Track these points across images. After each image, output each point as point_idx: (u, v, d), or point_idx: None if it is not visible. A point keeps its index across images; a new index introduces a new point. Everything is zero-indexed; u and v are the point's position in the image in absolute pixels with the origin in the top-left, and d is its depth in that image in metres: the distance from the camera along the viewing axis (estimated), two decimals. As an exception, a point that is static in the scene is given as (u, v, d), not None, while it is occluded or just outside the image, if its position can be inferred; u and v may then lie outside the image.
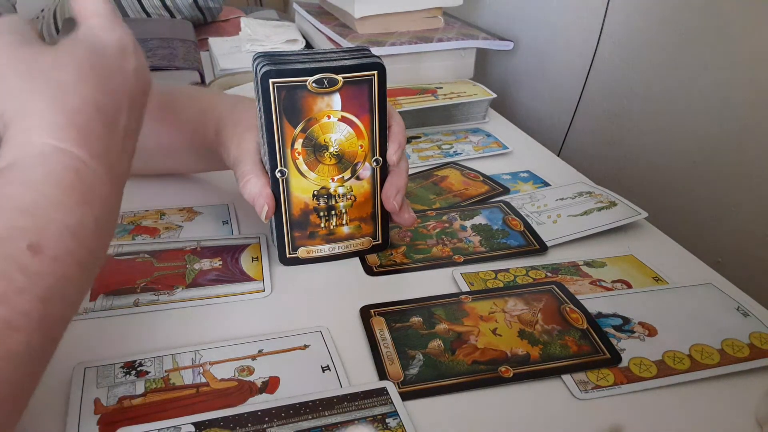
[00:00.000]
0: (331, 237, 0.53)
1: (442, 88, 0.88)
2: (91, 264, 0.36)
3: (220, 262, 0.53)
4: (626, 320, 0.48)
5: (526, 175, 0.72)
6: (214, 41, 1.13)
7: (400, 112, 0.81)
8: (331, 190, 0.50)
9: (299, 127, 0.48)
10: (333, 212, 0.51)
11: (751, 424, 0.40)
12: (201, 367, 0.42)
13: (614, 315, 0.49)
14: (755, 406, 0.41)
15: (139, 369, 0.42)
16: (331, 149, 0.49)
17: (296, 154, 0.48)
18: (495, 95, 0.86)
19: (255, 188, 0.49)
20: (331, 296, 0.51)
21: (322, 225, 0.52)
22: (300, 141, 0.48)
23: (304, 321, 0.47)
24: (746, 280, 0.54)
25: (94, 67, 0.38)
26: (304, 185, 0.50)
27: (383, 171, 0.51)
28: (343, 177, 0.50)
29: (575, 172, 0.74)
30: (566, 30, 0.95)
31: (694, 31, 0.73)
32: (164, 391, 0.40)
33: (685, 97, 0.75)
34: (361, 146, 0.50)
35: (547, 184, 0.70)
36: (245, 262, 0.53)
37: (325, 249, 0.53)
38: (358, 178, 0.50)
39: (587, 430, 0.39)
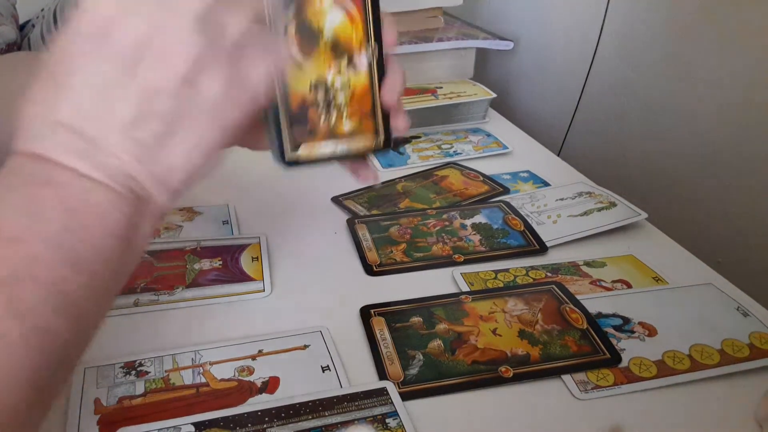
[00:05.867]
0: (332, 134, 0.49)
1: (442, 88, 0.88)
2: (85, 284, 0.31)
3: (220, 262, 0.53)
4: (626, 320, 0.48)
5: (526, 175, 0.72)
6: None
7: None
8: (328, 82, 0.49)
9: (291, 12, 0.46)
10: (332, 106, 0.49)
11: (751, 424, 0.40)
12: (201, 368, 0.42)
13: (614, 315, 0.49)
14: (755, 406, 0.41)
15: (139, 369, 0.42)
16: (325, 36, 0.47)
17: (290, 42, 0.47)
18: (495, 95, 0.86)
19: None
20: (331, 296, 0.51)
21: (322, 120, 0.48)
22: (293, 27, 0.46)
23: (304, 321, 0.47)
24: (746, 280, 0.54)
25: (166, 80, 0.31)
26: (300, 76, 0.48)
27: (380, 65, 0.49)
28: (340, 65, 0.48)
29: (575, 172, 0.74)
30: (566, 30, 0.95)
31: (694, 31, 0.73)
32: (164, 392, 0.40)
33: (685, 97, 0.75)
34: (356, 32, 0.48)
35: (547, 184, 0.70)
36: (245, 262, 0.53)
37: (328, 146, 0.48)
38: (354, 68, 0.49)
39: (587, 430, 0.39)
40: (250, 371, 0.42)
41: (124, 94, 0.30)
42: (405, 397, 0.40)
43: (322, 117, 0.49)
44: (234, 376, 0.41)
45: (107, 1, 0.30)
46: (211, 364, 0.42)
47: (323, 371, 0.42)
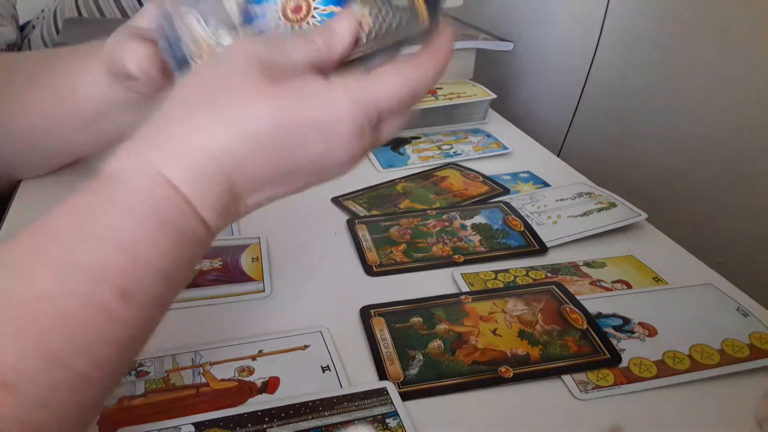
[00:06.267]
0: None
1: (442, 88, 0.88)
2: (169, 304, 0.34)
3: (220, 263, 0.53)
4: (626, 320, 0.48)
5: (526, 175, 0.72)
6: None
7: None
8: None
9: None
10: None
11: (751, 424, 0.40)
12: (201, 368, 0.42)
13: (614, 315, 0.49)
14: (755, 406, 0.41)
15: (139, 369, 0.42)
16: None
17: None
18: (495, 95, 0.86)
19: None
20: (331, 296, 0.51)
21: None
22: None
23: (304, 321, 0.47)
24: (746, 280, 0.54)
25: (279, 137, 0.33)
26: None
27: None
28: None
29: (575, 172, 0.74)
30: (566, 30, 0.95)
31: (693, 31, 0.73)
32: (164, 392, 0.40)
33: (684, 96, 0.75)
34: None
35: (547, 185, 0.70)
36: (245, 262, 0.53)
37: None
38: None
39: (587, 430, 0.39)
40: (250, 371, 0.42)
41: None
42: (405, 397, 0.40)
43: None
44: (234, 376, 0.41)
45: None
46: (211, 364, 0.42)
47: (323, 371, 0.42)
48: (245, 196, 0.35)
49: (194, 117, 0.32)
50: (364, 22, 0.37)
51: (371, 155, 0.75)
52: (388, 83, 0.34)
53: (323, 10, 0.39)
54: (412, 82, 0.35)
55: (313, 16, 0.39)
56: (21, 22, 1.20)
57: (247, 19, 0.39)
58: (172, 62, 0.41)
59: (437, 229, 0.60)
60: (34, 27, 1.19)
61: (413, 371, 0.43)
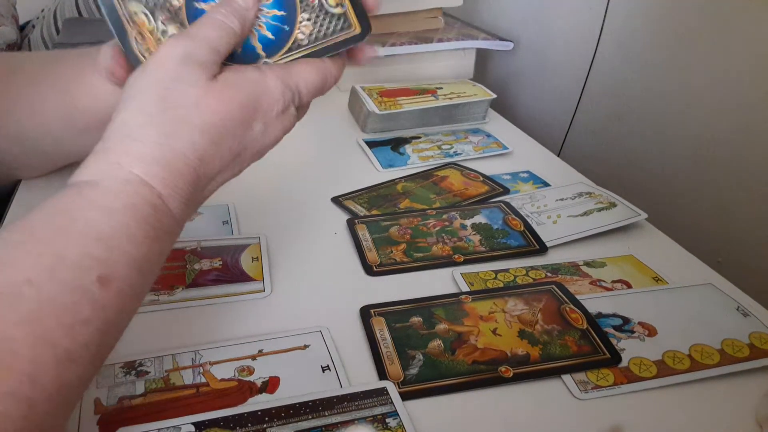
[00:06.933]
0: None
1: (442, 88, 0.88)
2: (144, 295, 0.36)
3: (220, 262, 0.53)
4: (626, 320, 0.48)
5: (526, 175, 0.72)
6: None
7: (400, 113, 0.82)
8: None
9: None
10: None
11: (751, 424, 0.40)
12: (201, 367, 0.42)
13: (614, 315, 0.49)
14: (755, 406, 0.41)
15: (139, 369, 0.42)
16: None
17: None
18: (495, 95, 0.86)
19: None
20: (331, 296, 0.51)
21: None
22: None
23: (304, 321, 0.47)
24: (746, 280, 0.54)
25: (230, 124, 0.38)
26: None
27: None
28: None
29: (575, 172, 0.74)
30: (566, 30, 0.95)
31: (693, 31, 0.73)
32: (164, 391, 0.40)
33: (684, 97, 0.75)
34: None
35: (547, 185, 0.70)
36: (245, 262, 0.53)
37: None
38: None
39: (587, 430, 0.39)
40: (250, 371, 0.42)
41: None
42: (405, 397, 0.40)
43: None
44: (234, 376, 0.41)
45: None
46: (211, 364, 0.42)
47: (323, 371, 0.42)
48: (205, 185, 0.39)
49: (153, 123, 0.36)
50: (305, 27, 0.43)
51: (371, 155, 0.75)
52: (307, 74, 0.42)
53: (267, 12, 0.43)
54: (324, 77, 0.42)
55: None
56: (21, 22, 1.20)
57: (192, 13, 0.42)
58: (129, 57, 0.42)
59: (437, 228, 0.60)
60: (34, 27, 1.19)
61: (413, 371, 0.43)
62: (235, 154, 0.39)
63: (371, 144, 0.78)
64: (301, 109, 0.43)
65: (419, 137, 0.81)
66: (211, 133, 0.37)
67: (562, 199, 0.65)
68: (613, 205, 0.63)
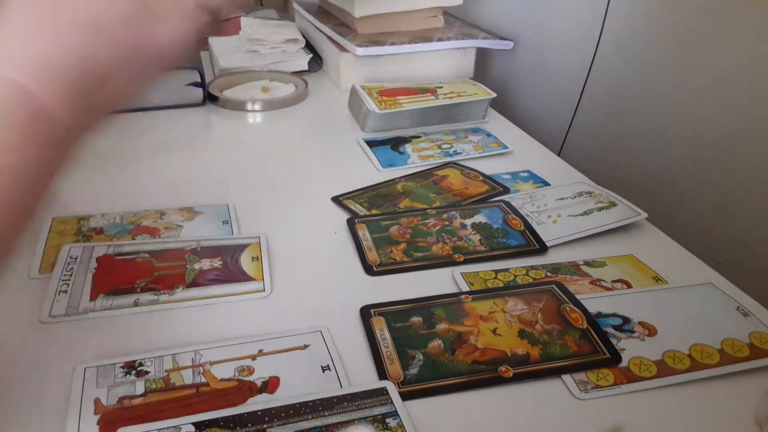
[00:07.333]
0: None
1: (442, 87, 0.88)
2: (26, 208, 0.33)
3: (220, 262, 0.53)
4: (626, 320, 0.48)
5: (526, 174, 0.72)
6: (214, 40, 1.12)
7: (400, 112, 0.82)
8: None
9: None
10: None
11: (751, 424, 0.40)
12: (201, 367, 0.42)
13: (614, 315, 0.49)
14: (755, 406, 0.41)
15: (139, 369, 0.42)
16: None
17: None
18: (495, 95, 0.86)
19: None
20: (331, 296, 0.51)
21: None
22: None
23: (304, 321, 0.47)
24: (746, 280, 0.54)
25: (111, 15, 0.35)
26: None
27: None
28: None
29: (575, 172, 0.74)
30: (566, 30, 0.95)
31: (693, 32, 0.73)
32: (164, 391, 0.40)
33: (684, 97, 0.75)
34: None
35: (547, 184, 0.70)
36: (245, 262, 0.53)
37: None
38: None
39: (587, 430, 0.39)
40: (250, 371, 0.42)
41: None
42: (405, 397, 0.40)
43: None
44: (234, 375, 0.41)
45: None
46: (211, 363, 0.42)
47: (323, 371, 0.42)
48: (97, 88, 0.35)
49: (24, 21, 0.33)
50: None
51: (371, 154, 0.75)
52: None
53: None
54: None
55: None
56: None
57: None
58: None
59: (437, 228, 0.60)
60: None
61: (413, 371, 0.43)
62: (131, 56, 0.36)
63: (371, 143, 0.78)
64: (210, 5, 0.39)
65: (419, 136, 0.81)
66: (91, 27, 0.34)
67: (562, 199, 0.65)
68: (613, 204, 0.63)
